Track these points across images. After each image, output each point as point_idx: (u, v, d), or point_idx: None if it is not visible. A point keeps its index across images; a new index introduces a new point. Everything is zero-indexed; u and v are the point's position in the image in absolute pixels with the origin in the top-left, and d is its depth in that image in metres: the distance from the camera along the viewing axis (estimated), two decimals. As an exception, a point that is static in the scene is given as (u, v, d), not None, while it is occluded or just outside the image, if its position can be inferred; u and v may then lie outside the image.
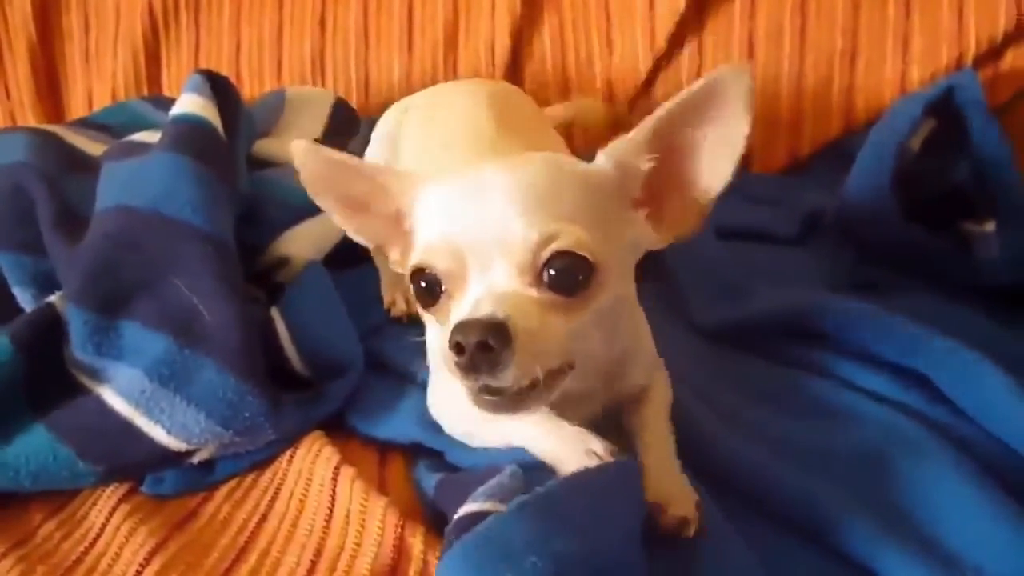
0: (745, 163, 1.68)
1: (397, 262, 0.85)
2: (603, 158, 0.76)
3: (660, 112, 0.72)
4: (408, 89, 1.81)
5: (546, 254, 0.69)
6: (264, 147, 1.42)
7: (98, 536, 0.91)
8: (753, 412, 0.96)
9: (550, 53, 1.78)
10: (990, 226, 1.12)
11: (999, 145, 1.13)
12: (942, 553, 0.76)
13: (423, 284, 0.74)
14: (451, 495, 0.78)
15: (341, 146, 1.46)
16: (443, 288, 0.73)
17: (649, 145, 0.75)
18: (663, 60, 1.71)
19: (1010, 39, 1.56)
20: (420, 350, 0.95)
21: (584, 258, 0.69)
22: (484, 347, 0.65)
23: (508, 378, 0.67)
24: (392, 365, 1.09)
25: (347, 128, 1.56)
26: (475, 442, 0.87)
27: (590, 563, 0.62)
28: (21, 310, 1.12)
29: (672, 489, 0.76)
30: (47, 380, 1.00)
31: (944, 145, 1.22)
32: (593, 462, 0.75)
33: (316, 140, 1.45)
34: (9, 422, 0.95)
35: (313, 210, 1.25)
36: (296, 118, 1.54)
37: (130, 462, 0.95)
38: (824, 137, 1.67)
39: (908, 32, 1.61)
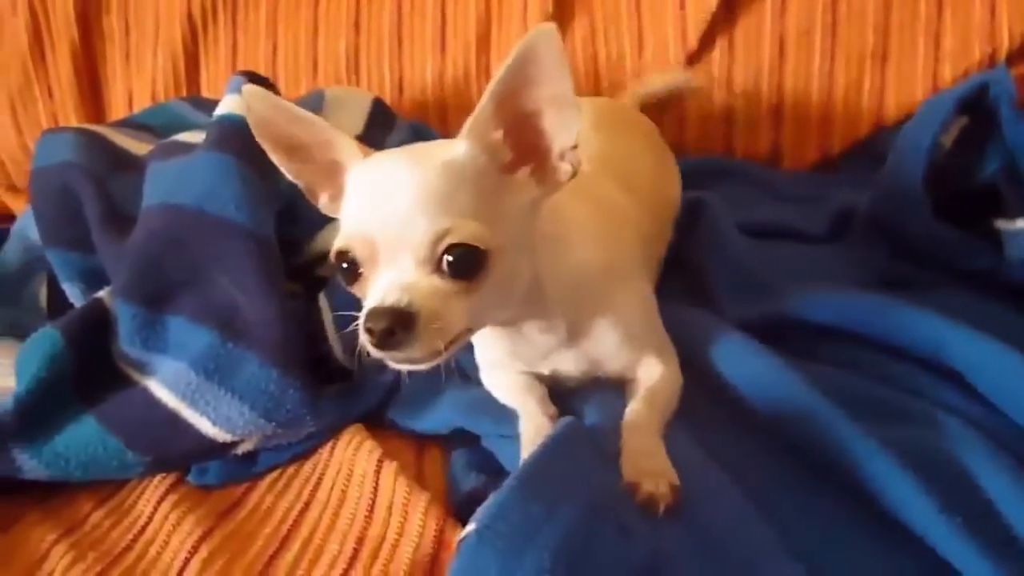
0: (775, 161, 1.72)
1: (326, 205, 0.92)
2: (463, 143, 0.81)
3: (491, 85, 0.77)
4: (441, 89, 1.83)
5: (442, 247, 0.77)
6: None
7: (147, 524, 0.94)
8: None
9: (581, 52, 1.79)
10: (1022, 223, 1.11)
11: None
12: (995, 529, 0.77)
13: (344, 265, 0.82)
14: None
15: (380, 142, 1.50)
16: (361, 269, 0.81)
17: (496, 117, 0.80)
18: (694, 58, 1.71)
19: (1044, 35, 1.56)
20: None
21: (476, 248, 0.77)
22: (391, 332, 0.75)
23: (415, 353, 0.77)
24: None
25: (386, 125, 1.58)
26: (493, 390, 1.00)
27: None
28: (71, 305, 1.15)
29: (647, 467, 0.80)
30: (96, 373, 1.03)
31: (976, 142, 1.22)
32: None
33: (357, 136, 1.49)
34: (60, 413, 0.98)
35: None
36: (336, 116, 1.55)
37: (176, 453, 0.99)
38: (855, 135, 1.67)
39: (940, 30, 1.61)
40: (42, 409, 0.97)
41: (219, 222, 1.02)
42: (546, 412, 0.92)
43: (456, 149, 0.81)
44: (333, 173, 0.89)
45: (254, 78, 1.22)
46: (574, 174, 0.83)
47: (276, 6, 1.93)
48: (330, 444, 1.00)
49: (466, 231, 0.77)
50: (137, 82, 1.99)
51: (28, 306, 1.22)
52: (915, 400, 0.97)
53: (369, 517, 0.87)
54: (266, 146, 0.90)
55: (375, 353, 0.79)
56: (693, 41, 1.71)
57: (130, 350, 1.03)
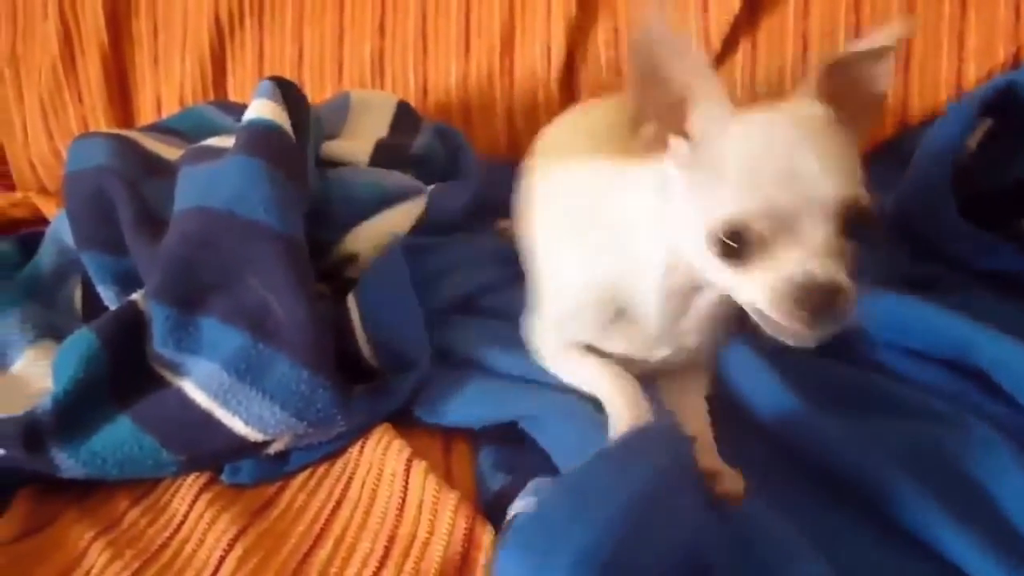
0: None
1: (647, 138, 0.87)
2: (814, 103, 0.81)
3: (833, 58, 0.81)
4: (466, 91, 1.85)
5: (851, 213, 0.75)
6: (332, 148, 1.46)
7: (182, 522, 0.96)
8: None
9: (604, 55, 1.80)
10: (1047, 225, 1.11)
11: None
12: (1011, 540, 0.77)
13: (729, 241, 0.78)
14: None
15: (406, 146, 1.51)
16: (754, 243, 0.77)
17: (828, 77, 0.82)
18: (717, 60, 1.72)
19: (1071, 35, 1.55)
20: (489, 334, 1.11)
21: (872, 214, 0.77)
22: (827, 303, 0.74)
23: (838, 324, 0.76)
24: (455, 352, 1.12)
25: (411, 129, 1.60)
26: (560, 376, 1.01)
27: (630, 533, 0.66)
28: (105, 308, 1.17)
29: (721, 464, 0.84)
30: (131, 374, 1.05)
31: (1001, 143, 1.22)
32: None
33: (380, 140, 1.51)
34: (96, 414, 1.00)
35: (378, 207, 1.31)
36: (361, 120, 1.57)
37: (210, 452, 1.00)
38: (880, 136, 1.66)
39: (964, 29, 1.60)
40: (79, 409, 0.99)
41: (249, 224, 1.04)
42: (646, 405, 0.92)
43: (814, 109, 0.81)
44: (674, 112, 0.84)
45: (282, 83, 1.23)
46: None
47: (302, 10, 1.95)
48: (360, 443, 1.01)
49: (868, 196, 0.77)
50: (165, 86, 2.02)
51: (63, 308, 1.24)
52: (936, 400, 0.97)
53: (399, 516, 0.88)
54: (635, 72, 0.83)
55: (796, 331, 0.78)
56: (716, 43, 1.71)
57: (164, 351, 1.05)
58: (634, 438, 0.75)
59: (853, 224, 0.76)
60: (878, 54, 0.81)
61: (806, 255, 0.75)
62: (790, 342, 0.80)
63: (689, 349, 1.02)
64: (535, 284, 1.13)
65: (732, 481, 0.83)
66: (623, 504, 0.66)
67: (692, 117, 0.84)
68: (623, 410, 0.90)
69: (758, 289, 0.78)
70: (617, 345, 1.03)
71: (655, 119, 0.86)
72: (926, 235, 1.22)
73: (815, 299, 0.74)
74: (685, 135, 0.85)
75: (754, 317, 0.82)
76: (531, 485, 0.82)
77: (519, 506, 0.77)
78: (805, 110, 0.82)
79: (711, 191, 0.81)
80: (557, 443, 0.91)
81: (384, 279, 1.17)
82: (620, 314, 0.99)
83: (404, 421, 1.05)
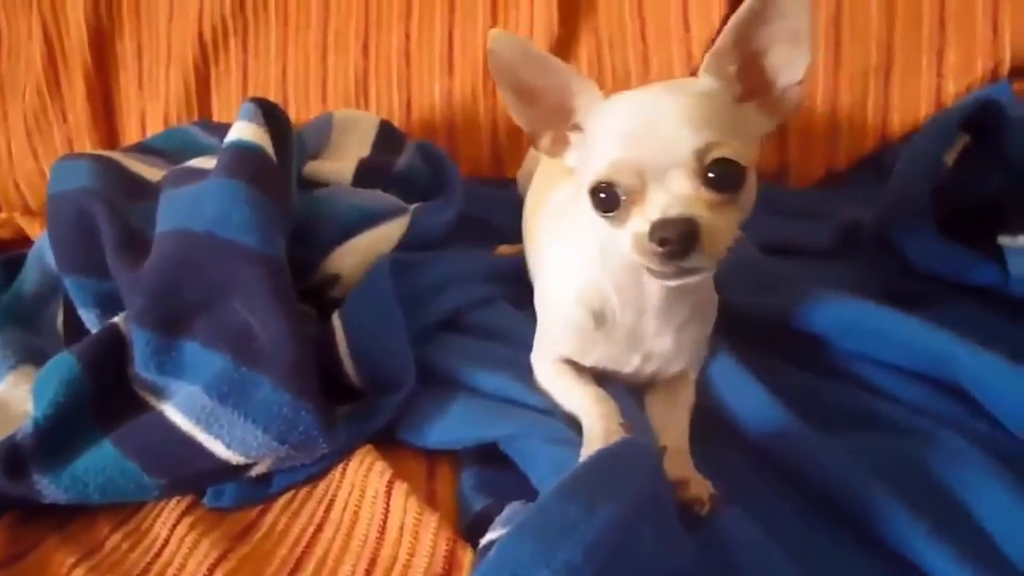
0: (781, 178, 1.73)
1: (546, 147, 0.99)
2: (705, 76, 0.88)
3: (733, 20, 0.85)
4: (450, 109, 1.86)
5: (708, 160, 0.82)
6: (314, 168, 1.46)
7: (163, 547, 0.95)
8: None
9: (587, 70, 1.81)
10: (1024, 239, 1.12)
11: None
12: (989, 556, 0.79)
13: (603, 196, 0.87)
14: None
15: (389, 165, 1.51)
16: (623, 197, 0.86)
17: (733, 53, 0.87)
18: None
19: (1046, 50, 1.57)
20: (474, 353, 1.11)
21: (736, 162, 0.83)
22: (683, 238, 0.80)
23: (699, 261, 0.82)
24: (439, 372, 1.12)
25: (393, 148, 1.60)
26: (553, 394, 1.03)
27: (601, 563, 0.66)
28: (87, 331, 1.17)
29: (691, 472, 0.87)
30: (112, 397, 1.04)
31: (979, 159, 1.23)
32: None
33: (363, 159, 1.51)
34: (78, 438, 1.00)
35: (361, 227, 1.31)
36: (344, 140, 1.57)
37: (192, 476, 1.00)
38: (860, 151, 1.69)
39: (943, 46, 1.62)
40: (60, 434, 0.99)
41: (230, 246, 1.04)
42: (619, 420, 0.95)
43: (700, 82, 0.88)
44: (561, 117, 0.95)
45: (264, 104, 1.23)
46: (798, 107, 0.90)
47: (286, 29, 1.96)
48: (342, 465, 1.01)
49: (730, 146, 0.82)
50: (150, 106, 2.02)
51: (45, 332, 1.24)
52: (917, 416, 0.98)
53: (381, 538, 0.88)
54: (502, 89, 0.95)
55: (658, 268, 0.84)
56: (698, 58, 1.71)
57: (145, 375, 1.05)
58: (602, 461, 0.74)
59: (720, 176, 0.82)
60: (791, 41, 0.86)
61: (666, 202, 0.82)
62: (661, 281, 0.88)
63: (663, 356, 1.04)
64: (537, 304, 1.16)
65: (699, 487, 0.85)
66: (592, 537, 0.66)
67: (577, 115, 0.94)
68: (596, 426, 0.92)
69: (627, 236, 0.85)
70: (599, 357, 1.06)
71: (547, 128, 0.97)
72: (906, 251, 1.23)
73: (667, 233, 0.80)
74: (578, 129, 0.95)
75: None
76: (507, 511, 0.82)
77: (491, 536, 0.77)
78: (681, 83, 0.92)
79: (589, 161, 0.90)
80: (536, 466, 0.92)
81: (369, 299, 1.17)
82: (600, 321, 1.03)
83: (387, 441, 1.05)
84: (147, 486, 0.99)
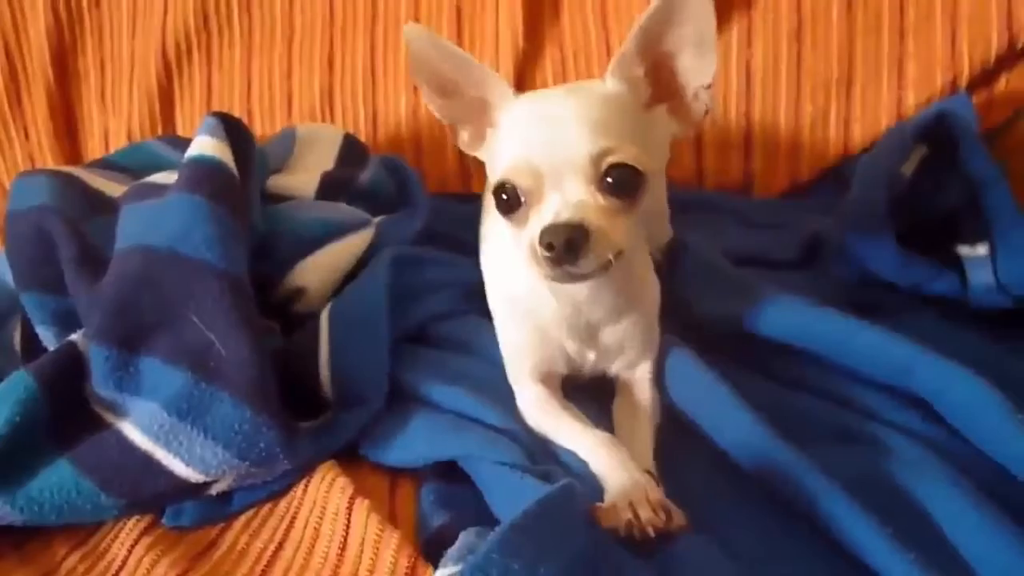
0: (745, 188, 1.74)
1: (464, 142, 1.02)
2: (611, 79, 0.90)
3: (638, 24, 0.86)
4: (416, 124, 1.85)
5: (604, 165, 0.84)
6: (277, 182, 1.45)
7: (121, 568, 0.94)
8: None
9: (552, 82, 1.81)
10: (983, 249, 1.13)
11: (989, 169, 1.14)
12: (949, 564, 0.79)
13: (504, 197, 0.89)
14: None
15: (352, 179, 1.51)
16: (522, 199, 0.88)
17: (639, 55, 0.89)
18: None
19: (1003, 62, 1.59)
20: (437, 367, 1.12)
21: (634, 167, 0.85)
22: (569, 244, 0.81)
23: (588, 266, 0.84)
24: (402, 385, 1.11)
25: (357, 161, 1.59)
26: (541, 429, 1.02)
27: None
28: (44, 349, 1.15)
29: (647, 496, 0.85)
30: (70, 416, 1.02)
31: (937, 170, 1.24)
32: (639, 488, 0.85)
33: (327, 172, 1.50)
34: (34, 457, 0.98)
35: (325, 240, 1.30)
36: (308, 154, 1.56)
37: (151, 494, 0.98)
38: (823, 163, 1.70)
39: (903, 58, 1.64)
40: (16, 454, 0.97)
41: (191, 263, 1.03)
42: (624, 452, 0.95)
43: (606, 84, 0.90)
44: (478, 111, 0.97)
45: (226, 119, 1.22)
46: (707, 112, 0.92)
47: (250, 44, 1.95)
48: (304, 482, 1.00)
49: (626, 152, 0.84)
50: (113, 121, 2.00)
51: (2, 350, 1.21)
52: (877, 425, 0.98)
53: (341, 555, 0.87)
54: (419, 82, 0.98)
55: (546, 273, 0.85)
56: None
57: (104, 392, 1.03)
58: (546, 511, 0.74)
59: (617, 181, 0.85)
60: (697, 44, 0.87)
61: (558, 207, 0.84)
62: (550, 278, 0.88)
63: (615, 346, 1.06)
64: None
65: (673, 519, 0.84)
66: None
67: (491, 108, 0.96)
68: (618, 475, 0.90)
69: (524, 240, 0.87)
70: (561, 358, 1.07)
71: (466, 121, 1.00)
72: (866, 260, 1.24)
73: (553, 239, 0.82)
74: (492, 125, 0.97)
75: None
76: (460, 541, 0.80)
77: (444, 572, 0.77)
78: (585, 85, 0.94)
79: (496, 160, 0.93)
80: (491, 487, 0.91)
81: (364, 297, 1.18)
82: (538, 327, 1.05)
83: (351, 457, 1.04)
84: (104, 506, 0.97)
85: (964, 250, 1.16)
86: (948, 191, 1.19)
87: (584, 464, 0.95)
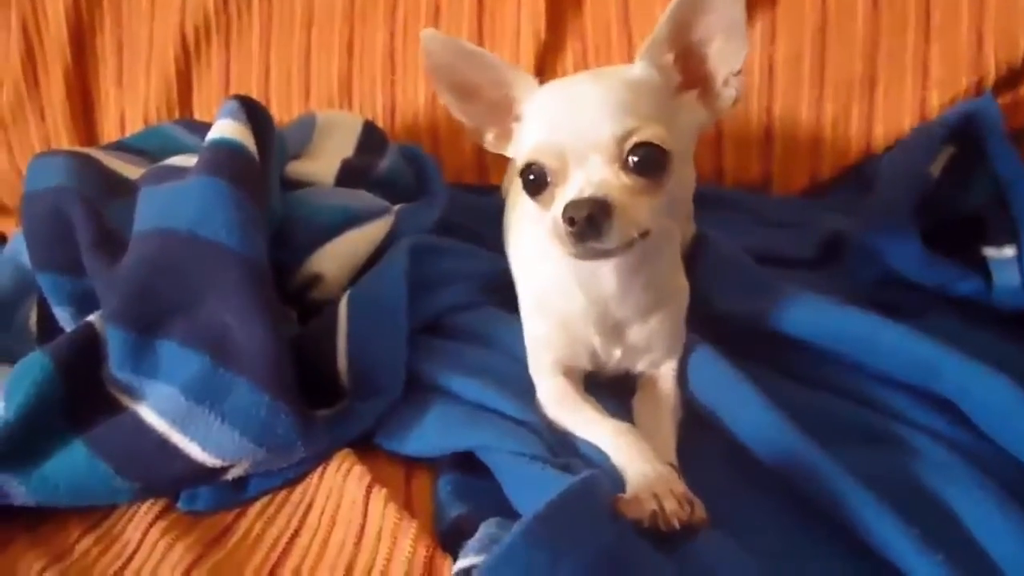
0: (765, 186, 1.73)
1: (491, 143, 1.02)
2: (640, 63, 0.91)
3: (668, 10, 0.87)
4: (433, 112, 1.84)
5: (628, 145, 0.85)
6: (296, 168, 1.44)
7: (135, 552, 0.94)
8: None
9: (574, 76, 1.81)
10: (1010, 251, 1.12)
11: (1017, 170, 1.13)
12: (976, 562, 0.79)
13: (531, 177, 0.90)
14: None
15: (371, 166, 1.50)
16: (549, 180, 0.89)
17: (669, 42, 0.90)
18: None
19: (1030, 64, 1.58)
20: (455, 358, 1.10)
21: (658, 146, 0.85)
22: (591, 219, 0.82)
23: (611, 241, 0.84)
24: (419, 375, 1.11)
25: (377, 149, 1.58)
26: (561, 421, 1.01)
27: None
28: (61, 330, 1.15)
29: (671, 487, 0.84)
30: (86, 398, 1.02)
31: (963, 170, 1.23)
32: (661, 479, 0.85)
33: (346, 160, 1.50)
34: (49, 438, 0.98)
35: (344, 227, 1.30)
36: (327, 140, 1.56)
37: (166, 478, 0.98)
38: (844, 162, 1.68)
39: (927, 58, 1.62)
40: (31, 435, 0.97)
41: (211, 247, 1.02)
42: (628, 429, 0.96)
43: (634, 68, 0.91)
44: (502, 111, 0.98)
45: (247, 102, 1.22)
46: (736, 100, 0.93)
47: (269, 29, 1.94)
48: (320, 469, 1.00)
49: (650, 131, 0.85)
50: (130, 104, 2.00)
51: (18, 331, 1.20)
52: (901, 426, 0.97)
53: (358, 544, 0.87)
54: (440, 88, 0.99)
55: (569, 250, 0.85)
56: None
57: (120, 375, 1.03)
58: (569, 502, 0.73)
59: (642, 160, 0.85)
60: (727, 31, 0.88)
61: (583, 184, 0.85)
62: (574, 260, 0.88)
63: (640, 344, 1.06)
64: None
65: (695, 514, 0.83)
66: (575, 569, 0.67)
67: (516, 105, 0.97)
68: (642, 468, 0.89)
69: (549, 219, 0.88)
70: (586, 353, 1.06)
71: (490, 124, 1.00)
72: (891, 260, 1.23)
73: (575, 213, 0.82)
74: (518, 120, 0.98)
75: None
76: (481, 531, 0.80)
77: (463, 564, 0.76)
78: (611, 70, 0.94)
79: (520, 146, 0.93)
80: (509, 479, 0.91)
81: (383, 284, 1.17)
82: (564, 322, 1.05)
83: (367, 446, 1.04)
84: (119, 488, 0.97)
85: (990, 251, 1.15)
86: (974, 192, 1.17)
87: (605, 457, 0.93)
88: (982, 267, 1.17)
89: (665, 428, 1.01)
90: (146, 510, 1.00)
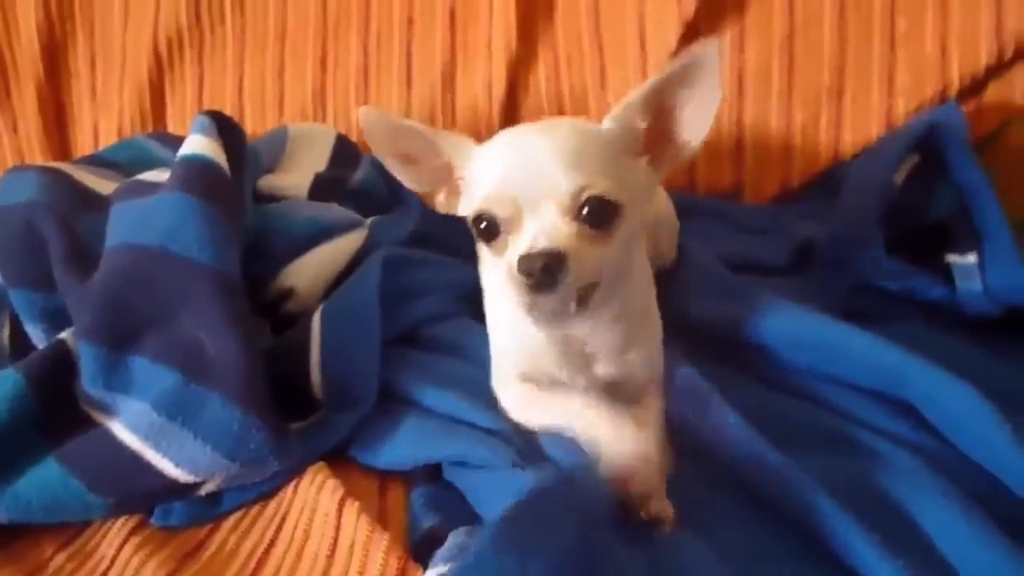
0: (737, 194, 1.74)
1: (442, 203, 1.04)
2: (610, 121, 0.92)
3: (650, 82, 0.89)
4: (407, 125, 1.85)
5: (583, 198, 0.86)
6: (269, 182, 1.45)
7: (109, 568, 0.94)
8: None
9: (545, 90, 1.82)
10: (972, 258, 1.13)
11: (978, 180, 1.15)
12: (938, 570, 0.80)
13: (483, 225, 0.91)
14: None
15: (345, 179, 1.51)
16: (501, 228, 0.90)
17: (643, 108, 0.91)
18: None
19: (992, 72, 1.60)
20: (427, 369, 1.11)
21: (610, 200, 0.87)
22: (546, 268, 0.83)
23: (565, 289, 0.85)
24: (391, 387, 1.11)
25: (350, 162, 1.59)
26: (529, 422, 1.01)
27: None
28: (34, 346, 1.14)
29: (654, 485, 0.87)
30: (59, 414, 1.02)
31: (928, 179, 1.25)
32: (638, 449, 0.88)
33: (319, 173, 1.50)
34: (22, 456, 0.98)
35: (317, 241, 1.30)
36: (300, 153, 1.56)
37: (139, 494, 0.98)
38: (814, 169, 1.70)
39: (893, 67, 1.64)
40: (3, 452, 0.97)
41: (182, 262, 1.03)
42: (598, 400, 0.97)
43: (592, 124, 0.94)
44: (446, 173, 1.01)
45: (218, 117, 1.22)
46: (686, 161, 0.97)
47: (243, 42, 1.94)
48: (294, 483, 1.00)
49: (603, 185, 0.87)
50: (103, 118, 1.99)
51: (-10, 347, 1.21)
52: (867, 432, 0.99)
53: (331, 557, 0.87)
54: (385, 160, 1.02)
55: (524, 300, 0.87)
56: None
57: (93, 391, 1.03)
58: (537, 503, 0.74)
59: (593, 211, 0.87)
60: (700, 105, 0.91)
61: (536, 234, 0.86)
62: (533, 318, 0.91)
63: (611, 379, 1.04)
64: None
65: (659, 504, 0.86)
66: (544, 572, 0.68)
67: (455, 167, 0.99)
68: (608, 436, 0.92)
69: (503, 265, 0.89)
70: (552, 373, 1.05)
71: (438, 185, 1.03)
72: (857, 267, 1.25)
73: (531, 265, 0.84)
74: (462, 179, 0.99)
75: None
76: (450, 541, 0.81)
77: (434, 572, 0.77)
78: (560, 122, 0.96)
79: (472, 199, 0.94)
80: (476, 488, 0.92)
81: (355, 298, 1.17)
82: (527, 347, 1.04)
83: (342, 458, 1.04)
84: (92, 505, 0.97)
85: (953, 258, 1.17)
86: (938, 200, 1.19)
87: (576, 456, 0.93)
88: (945, 273, 1.18)
89: (652, 418, 1.01)
90: (120, 526, 1.00)
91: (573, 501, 0.79)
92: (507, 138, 0.95)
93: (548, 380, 1.05)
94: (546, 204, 0.86)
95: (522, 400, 1.04)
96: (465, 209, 0.99)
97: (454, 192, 1.02)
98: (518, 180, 0.88)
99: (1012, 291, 1.12)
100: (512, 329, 1.06)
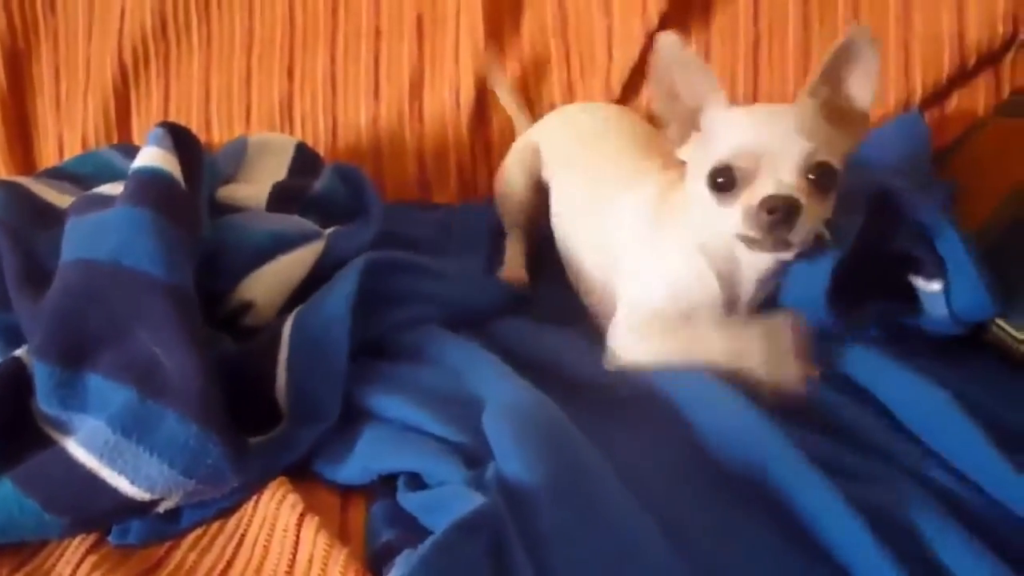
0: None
1: (673, 138, 1.17)
2: (809, 99, 1.09)
3: (824, 60, 1.08)
4: (376, 134, 1.85)
5: (814, 161, 1.03)
6: (228, 193, 1.43)
7: (65, 588, 0.93)
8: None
9: (513, 97, 1.82)
10: (936, 285, 1.13)
11: (935, 219, 1.15)
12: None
13: (721, 179, 1.06)
14: None
15: (305, 188, 1.49)
16: (737, 181, 1.05)
17: (824, 81, 1.09)
18: (620, 103, 1.76)
19: (955, 81, 1.63)
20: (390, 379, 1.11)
21: (832, 166, 1.04)
22: (787, 210, 0.99)
23: (796, 236, 1.02)
24: (356, 401, 1.10)
25: (310, 171, 1.58)
26: (671, 361, 1.13)
27: None
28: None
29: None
30: (14, 434, 1.01)
31: (886, 219, 1.22)
32: (788, 364, 1.06)
33: (278, 183, 1.49)
34: (-25, 476, 0.96)
35: (274, 252, 1.28)
36: (259, 163, 1.55)
37: (96, 513, 0.96)
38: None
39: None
40: (-44, 472, 0.95)
41: (136, 276, 1.01)
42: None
43: (808, 102, 1.08)
44: (691, 117, 1.14)
45: (174, 129, 1.21)
46: (868, 125, 1.13)
47: (209, 52, 1.93)
48: (254, 499, 0.99)
49: (828, 153, 1.03)
50: (68, 129, 1.96)
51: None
52: (876, 463, 1.00)
53: (290, 573, 0.86)
54: (657, 86, 1.13)
55: (758, 235, 1.02)
56: (616, 89, 1.76)
57: (48, 409, 1.01)
58: (449, 543, 0.77)
59: (819, 176, 1.03)
60: (865, 74, 1.09)
61: (776, 185, 1.01)
62: (758, 252, 1.07)
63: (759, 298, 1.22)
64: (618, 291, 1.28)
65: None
66: None
67: (702, 118, 1.13)
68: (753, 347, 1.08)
69: (738, 212, 1.03)
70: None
71: (676, 122, 1.15)
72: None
73: (772, 206, 0.99)
74: (698, 130, 1.14)
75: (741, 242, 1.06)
76: (398, 561, 0.81)
77: None
78: (792, 103, 1.11)
79: (709, 154, 1.08)
80: (423, 502, 0.92)
81: (327, 307, 1.16)
82: (689, 309, 1.18)
83: (306, 473, 1.04)
84: (48, 525, 0.95)
85: (919, 282, 1.16)
86: (897, 238, 1.18)
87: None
88: (915, 297, 1.18)
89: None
90: (77, 545, 0.98)
91: (484, 540, 0.80)
92: (751, 111, 1.12)
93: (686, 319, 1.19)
94: (785, 164, 1.02)
95: (647, 336, 1.18)
96: (686, 155, 1.15)
97: (684, 137, 1.15)
98: (763, 140, 1.03)
99: (974, 310, 1.15)
100: (679, 264, 1.19)
